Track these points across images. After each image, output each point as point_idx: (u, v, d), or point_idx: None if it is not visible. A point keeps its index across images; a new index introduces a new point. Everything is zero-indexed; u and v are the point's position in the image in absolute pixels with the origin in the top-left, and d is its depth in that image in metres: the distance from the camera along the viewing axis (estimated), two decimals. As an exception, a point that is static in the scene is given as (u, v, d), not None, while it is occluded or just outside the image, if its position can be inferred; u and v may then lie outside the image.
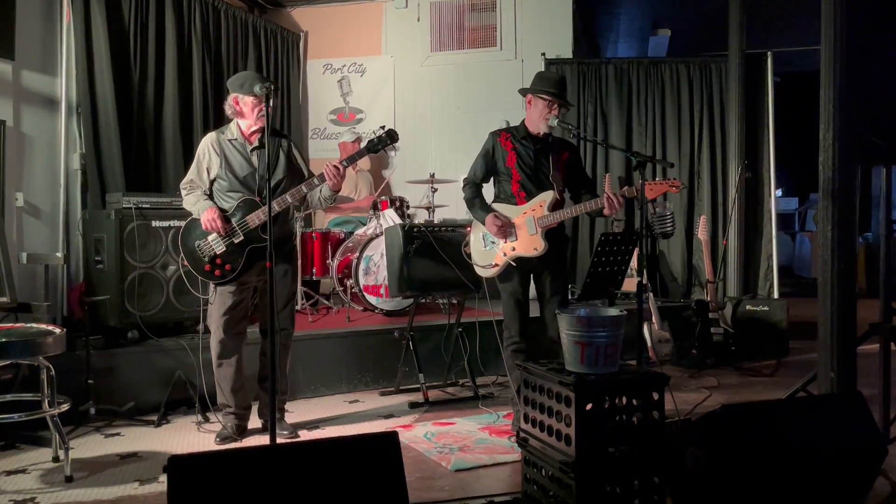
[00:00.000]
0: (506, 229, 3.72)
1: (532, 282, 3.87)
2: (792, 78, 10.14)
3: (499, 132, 3.89)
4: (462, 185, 3.93)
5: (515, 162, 3.79)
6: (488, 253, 3.82)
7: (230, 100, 3.66)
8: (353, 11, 7.52)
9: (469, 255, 3.99)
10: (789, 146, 7.96)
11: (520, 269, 3.78)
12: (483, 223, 3.78)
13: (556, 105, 3.73)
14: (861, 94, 3.19)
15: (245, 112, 3.64)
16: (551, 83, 3.77)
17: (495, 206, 3.84)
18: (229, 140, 3.69)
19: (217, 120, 5.85)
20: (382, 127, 3.79)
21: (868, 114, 3.22)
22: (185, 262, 3.71)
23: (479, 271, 3.91)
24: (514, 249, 3.74)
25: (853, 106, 3.16)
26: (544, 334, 3.82)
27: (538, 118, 3.77)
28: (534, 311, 3.91)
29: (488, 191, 3.94)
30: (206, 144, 3.71)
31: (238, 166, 3.66)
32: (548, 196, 3.73)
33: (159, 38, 5.51)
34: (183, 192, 3.74)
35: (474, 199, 3.85)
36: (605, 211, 3.65)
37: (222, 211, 3.61)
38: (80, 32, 4.92)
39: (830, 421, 2.66)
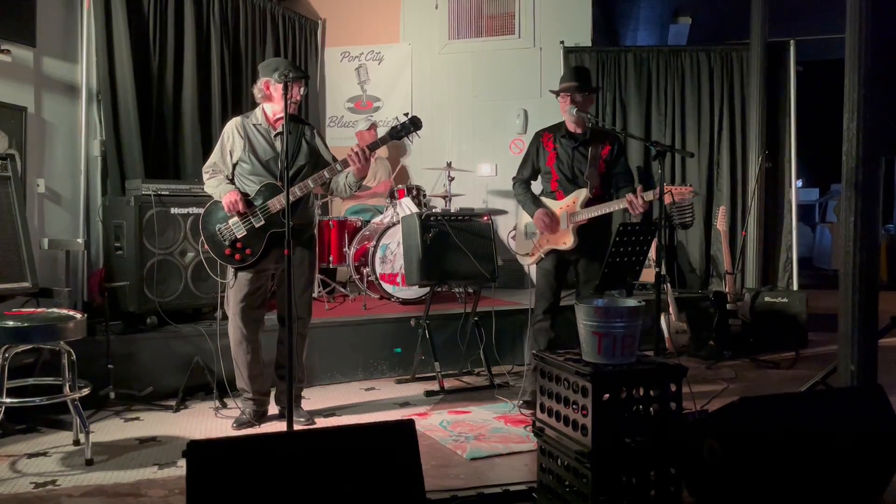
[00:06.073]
0: (551, 227, 3.93)
1: (570, 267, 4.08)
2: (815, 67, 9.99)
3: (541, 133, 4.12)
4: (512, 184, 4.21)
5: (554, 162, 4.03)
6: (527, 243, 4.10)
7: (261, 83, 3.68)
8: (371, -1, 7.51)
9: (513, 240, 4.28)
10: (810, 136, 7.85)
11: (556, 254, 4.01)
12: (532, 216, 4.01)
13: (567, 96, 3.92)
14: (886, 83, 3.14)
15: (275, 97, 3.65)
16: (563, 77, 4.01)
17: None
18: (254, 125, 3.72)
19: (235, 107, 5.87)
20: (406, 114, 3.78)
21: (893, 104, 3.17)
22: (206, 246, 3.74)
23: (519, 259, 4.21)
24: (547, 242, 4.01)
25: (878, 96, 3.12)
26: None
27: (564, 114, 3.99)
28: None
29: (536, 187, 4.18)
30: (231, 127, 3.74)
31: (261, 150, 3.69)
32: (580, 194, 3.93)
33: (178, 25, 5.52)
34: (205, 176, 3.76)
35: (525, 195, 4.11)
36: (632, 211, 3.76)
37: (244, 195, 3.63)
38: (101, 20, 4.94)
39: (850, 414, 2.63)
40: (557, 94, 4.00)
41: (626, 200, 3.71)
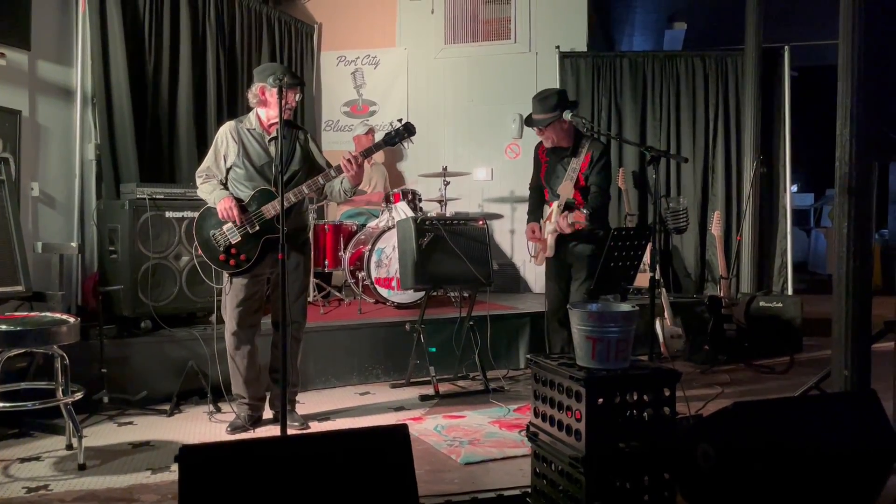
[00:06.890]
0: (536, 238, 4.21)
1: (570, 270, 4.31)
2: (809, 72, 10.04)
3: (539, 144, 4.29)
4: None
5: (543, 175, 4.24)
6: (535, 246, 4.40)
7: (256, 89, 3.67)
8: (367, 3, 7.50)
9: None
10: (805, 141, 7.88)
11: (555, 258, 4.22)
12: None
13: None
14: (879, 88, 3.15)
15: (271, 102, 3.65)
16: (534, 110, 4.14)
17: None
18: (248, 129, 3.71)
19: (231, 111, 5.87)
20: (400, 120, 3.77)
21: (886, 109, 3.18)
22: (200, 252, 3.72)
23: (531, 258, 4.56)
24: (541, 249, 4.25)
25: (871, 101, 3.13)
26: None
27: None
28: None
29: None
30: (225, 132, 3.73)
31: (255, 155, 3.68)
32: (553, 209, 4.13)
33: (174, 28, 5.51)
34: (198, 181, 3.75)
35: (529, 204, 4.37)
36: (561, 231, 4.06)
37: (238, 200, 3.62)
38: (96, 23, 4.93)
39: (843, 419, 2.63)
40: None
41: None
